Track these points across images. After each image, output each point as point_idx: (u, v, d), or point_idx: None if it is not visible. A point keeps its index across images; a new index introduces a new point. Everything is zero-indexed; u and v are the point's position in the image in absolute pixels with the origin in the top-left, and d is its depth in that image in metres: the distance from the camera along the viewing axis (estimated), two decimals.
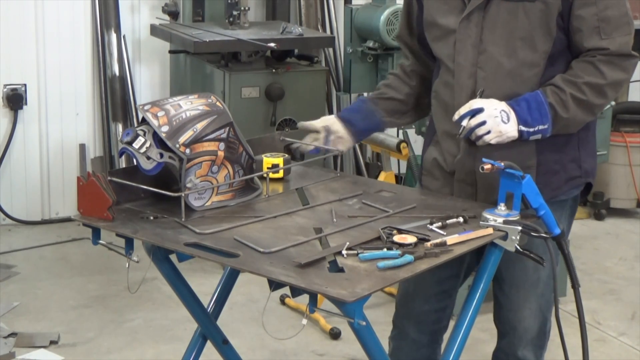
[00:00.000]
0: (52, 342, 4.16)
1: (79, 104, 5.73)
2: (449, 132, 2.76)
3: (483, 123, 2.57)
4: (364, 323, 2.14)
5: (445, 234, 2.40)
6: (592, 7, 2.59)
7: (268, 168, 2.79)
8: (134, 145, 2.51)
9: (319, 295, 2.13)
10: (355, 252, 2.28)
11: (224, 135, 2.59)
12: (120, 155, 5.32)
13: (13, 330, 4.23)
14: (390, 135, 4.62)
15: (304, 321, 2.23)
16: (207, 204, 2.59)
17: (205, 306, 2.84)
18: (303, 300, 2.19)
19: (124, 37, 5.66)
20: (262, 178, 2.74)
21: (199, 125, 2.55)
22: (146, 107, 2.57)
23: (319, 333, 4.31)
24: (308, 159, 3.00)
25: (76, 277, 4.94)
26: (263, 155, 2.84)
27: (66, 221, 5.63)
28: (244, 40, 4.89)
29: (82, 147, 5.76)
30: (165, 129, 2.52)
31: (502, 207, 2.47)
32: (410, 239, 2.35)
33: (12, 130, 5.56)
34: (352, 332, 2.26)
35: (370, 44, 4.84)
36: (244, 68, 5.01)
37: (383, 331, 2.92)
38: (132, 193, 2.60)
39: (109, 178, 2.53)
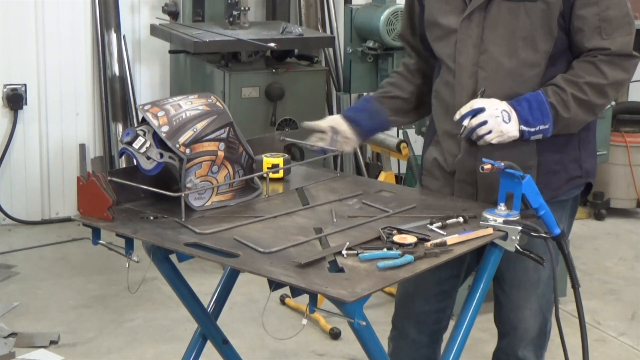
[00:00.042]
0: (52, 342, 4.16)
1: (79, 104, 5.73)
2: (450, 132, 2.76)
3: (484, 123, 2.56)
4: (364, 323, 2.14)
5: (445, 234, 2.40)
6: (593, 7, 2.59)
7: (268, 168, 2.79)
8: (134, 145, 2.51)
9: (319, 295, 2.13)
10: (355, 252, 2.28)
11: (224, 135, 2.59)
12: (120, 155, 5.32)
13: (13, 330, 4.23)
14: (390, 135, 4.62)
15: (304, 321, 2.23)
16: (207, 204, 2.59)
17: (205, 306, 2.84)
18: (303, 300, 2.19)
19: (124, 37, 5.66)
20: (262, 178, 2.74)
21: (199, 125, 2.55)
22: (146, 107, 2.57)
23: (319, 333, 4.31)
24: (309, 158, 3.00)
25: (76, 277, 4.94)
26: (263, 155, 2.84)
27: (66, 221, 5.63)
28: (244, 40, 4.89)
29: (82, 147, 5.76)
30: (165, 129, 2.52)
31: (502, 207, 2.47)
32: (410, 239, 2.35)
33: (12, 130, 5.56)
34: (352, 332, 2.26)
35: (370, 44, 4.84)
36: (244, 68, 5.01)
37: (383, 331, 2.92)
38: (132, 193, 2.60)
39: (109, 178, 2.53)
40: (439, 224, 2.45)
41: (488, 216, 2.46)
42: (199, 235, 2.39)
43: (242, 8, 5.21)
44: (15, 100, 5.53)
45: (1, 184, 5.61)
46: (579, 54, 2.65)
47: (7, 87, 5.54)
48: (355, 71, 4.94)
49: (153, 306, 4.56)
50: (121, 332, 4.32)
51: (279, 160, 2.83)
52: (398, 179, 5.35)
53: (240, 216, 2.54)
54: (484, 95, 2.62)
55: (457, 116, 2.60)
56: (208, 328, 2.84)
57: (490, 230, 2.43)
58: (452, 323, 2.65)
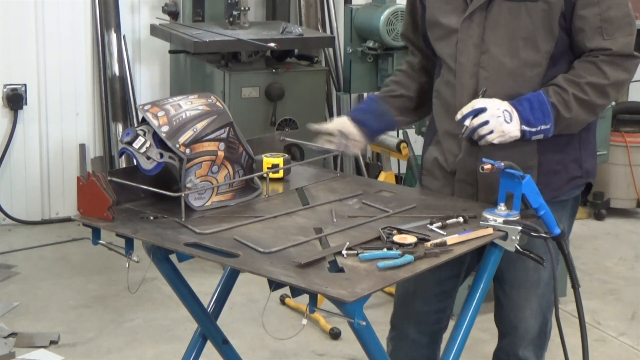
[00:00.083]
0: (52, 342, 4.16)
1: (79, 104, 5.73)
2: (451, 131, 2.76)
3: (486, 123, 2.56)
4: (364, 323, 2.14)
5: (445, 234, 2.40)
6: (594, 8, 2.59)
7: (268, 168, 2.79)
8: (134, 145, 2.51)
9: (319, 295, 2.13)
10: (355, 252, 2.28)
11: (224, 135, 2.59)
12: (120, 155, 5.32)
13: (13, 330, 4.23)
14: (390, 135, 4.62)
15: (304, 321, 2.23)
16: (207, 204, 2.59)
17: (205, 306, 2.84)
18: (303, 300, 2.19)
19: (124, 37, 5.66)
20: (262, 178, 2.74)
21: (199, 125, 2.55)
22: (146, 107, 2.57)
23: (319, 333, 4.31)
24: (309, 158, 3.00)
25: (76, 277, 4.94)
26: (263, 155, 2.84)
27: (66, 221, 5.63)
28: (244, 40, 4.89)
29: (82, 147, 5.76)
30: (165, 129, 2.52)
31: (502, 207, 2.47)
32: (410, 239, 2.35)
33: (12, 130, 5.56)
34: (352, 332, 2.26)
35: (370, 44, 4.84)
36: (244, 68, 5.01)
37: (383, 331, 2.93)
38: (132, 193, 2.59)
39: (109, 178, 2.53)
40: (439, 224, 2.45)
41: (488, 216, 2.46)
42: (199, 235, 2.39)
43: (242, 8, 5.21)
44: (15, 100, 5.54)
45: (1, 184, 5.61)
46: (580, 54, 2.65)
47: (7, 87, 5.54)
48: (355, 71, 4.94)
49: (153, 306, 4.56)
50: (121, 332, 4.32)
51: (279, 160, 2.83)
52: (398, 179, 5.36)
53: (240, 216, 2.54)
54: (485, 95, 2.62)
55: (459, 116, 2.60)
56: (208, 328, 2.84)
57: (490, 230, 2.43)
58: (452, 323, 2.65)
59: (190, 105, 2.60)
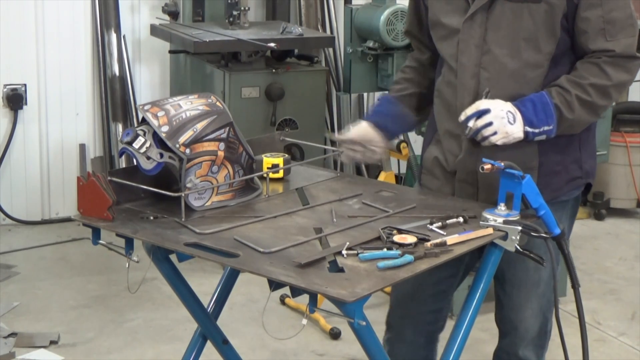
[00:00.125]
0: (52, 342, 4.16)
1: (79, 104, 5.73)
2: (451, 131, 2.76)
3: (489, 124, 2.56)
4: (364, 323, 2.14)
5: (445, 234, 2.40)
6: (597, 9, 2.59)
7: (268, 168, 2.79)
8: (134, 145, 2.51)
9: (319, 295, 2.13)
10: (355, 252, 2.28)
11: (224, 135, 2.59)
12: (120, 155, 5.32)
13: (13, 330, 4.23)
14: None
15: (304, 321, 2.23)
16: (207, 204, 2.59)
17: (205, 306, 2.84)
18: (303, 300, 2.19)
19: (124, 37, 5.66)
20: (262, 178, 2.74)
21: (199, 125, 2.55)
22: (146, 107, 2.57)
23: (319, 333, 4.31)
24: (309, 158, 2.99)
25: (76, 277, 4.94)
26: (263, 155, 2.84)
27: (66, 221, 5.62)
28: (244, 40, 4.89)
29: (82, 147, 5.76)
30: (165, 129, 2.52)
31: (502, 207, 2.47)
32: (410, 239, 2.35)
33: (12, 130, 5.56)
34: (352, 332, 2.26)
35: (370, 44, 4.84)
36: (244, 68, 5.01)
37: (383, 331, 2.93)
38: (132, 193, 2.59)
39: (109, 178, 2.53)
40: (439, 224, 2.45)
41: (488, 216, 2.46)
42: (199, 235, 2.39)
43: (242, 8, 5.21)
44: (15, 100, 5.53)
45: (1, 184, 5.61)
46: (582, 55, 2.65)
47: (7, 87, 5.54)
48: (355, 71, 4.94)
49: (153, 306, 4.56)
50: (121, 332, 4.32)
51: (279, 160, 2.83)
52: (398, 179, 5.36)
53: (240, 216, 2.54)
54: (488, 96, 2.61)
55: (462, 117, 2.60)
56: (208, 328, 2.84)
57: (490, 230, 2.43)
58: (451, 323, 2.65)
59: (190, 105, 2.60)
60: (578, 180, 2.78)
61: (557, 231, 2.56)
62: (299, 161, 2.99)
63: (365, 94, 6.11)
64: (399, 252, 2.28)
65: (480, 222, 2.47)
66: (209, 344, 2.88)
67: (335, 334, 4.26)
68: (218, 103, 2.65)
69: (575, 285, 2.68)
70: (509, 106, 2.58)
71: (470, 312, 2.49)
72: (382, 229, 2.41)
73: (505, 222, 2.44)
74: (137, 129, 2.54)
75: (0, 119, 5.58)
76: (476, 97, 2.66)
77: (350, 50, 4.93)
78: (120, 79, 5.63)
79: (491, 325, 3.00)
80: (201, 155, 2.55)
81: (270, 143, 2.98)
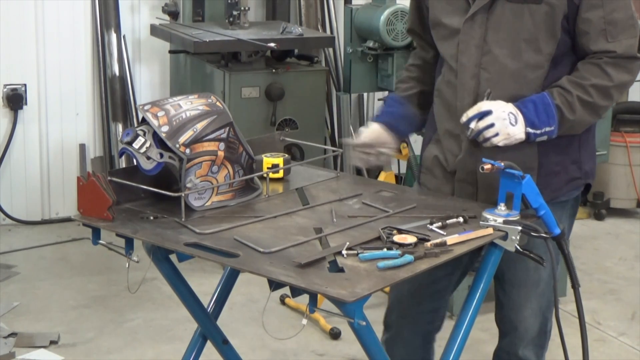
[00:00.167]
0: (52, 342, 4.16)
1: (79, 104, 5.73)
2: (451, 131, 2.76)
3: (491, 125, 2.56)
4: (364, 323, 2.14)
5: (445, 234, 2.40)
6: (599, 10, 2.59)
7: (268, 168, 2.79)
8: (134, 145, 2.51)
9: (319, 295, 2.13)
10: (355, 252, 2.28)
11: (224, 135, 2.59)
12: (120, 155, 5.32)
13: (13, 330, 4.23)
14: None
15: (304, 321, 2.23)
16: (207, 204, 2.59)
17: (205, 306, 2.84)
18: (303, 300, 2.19)
19: (124, 37, 5.66)
20: (262, 178, 2.74)
21: (199, 125, 2.55)
22: (146, 107, 2.57)
23: (319, 333, 4.31)
24: (309, 158, 2.99)
25: (76, 277, 4.94)
26: (263, 155, 2.84)
27: (66, 221, 5.62)
28: (244, 40, 4.89)
29: (82, 147, 5.76)
30: (165, 129, 2.52)
31: (502, 207, 2.47)
32: (410, 239, 2.35)
33: (12, 130, 5.56)
34: (352, 332, 2.25)
35: (370, 44, 4.84)
36: (244, 68, 5.01)
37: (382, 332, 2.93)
38: (132, 193, 2.59)
39: (109, 178, 2.53)
40: (439, 224, 2.45)
41: (488, 216, 2.46)
42: (199, 235, 2.39)
43: (242, 8, 5.21)
44: (15, 100, 5.54)
45: (1, 184, 5.61)
46: (583, 56, 2.66)
47: (7, 87, 5.54)
48: (355, 71, 4.94)
49: (153, 306, 4.56)
50: (121, 332, 4.32)
51: (279, 160, 2.83)
52: (398, 179, 5.36)
53: (240, 216, 2.54)
54: (490, 97, 2.61)
55: (464, 118, 2.60)
56: (208, 328, 2.84)
57: (490, 230, 2.43)
58: (450, 323, 2.65)
59: (190, 105, 2.60)
60: (577, 181, 2.78)
61: (557, 231, 2.56)
62: (299, 161, 3.00)
63: (365, 94, 6.11)
64: (399, 252, 2.28)
65: (480, 222, 2.47)
66: (209, 344, 2.88)
67: (335, 334, 4.26)
68: (218, 103, 2.65)
69: (575, 285, 2.68)
70: (510, 107, 2.58)
71: (470, 312, 2.49)
72: (382, 229, 2.41)
73: (505, 222, 2.44)
74: (137, 129, 2.54)
75: (0, 119, 5.58)
76: (476, 98, 2.66)
77: (350, 50, 4.93)
78: (120, 79, 5.63)
79: (491, 325, 3.00)
80: (201, 155, 2.55)
81: (270, 143, 2.98)
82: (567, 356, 2.68)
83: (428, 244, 2.33)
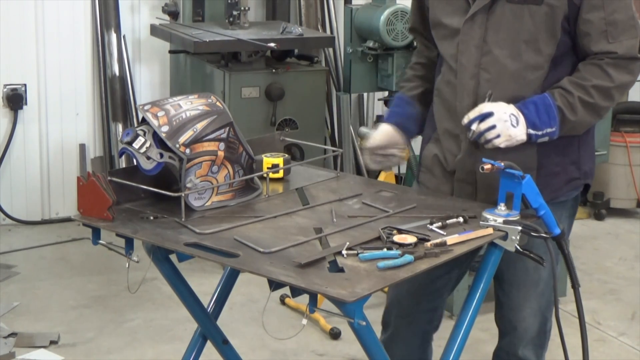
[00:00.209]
0: (52, 342, 4.16)
1: (79, 104, 5.73)
2: (451, 131, 2.76)
3: (493, 127, 2.56)
4: (364, 323, 2.14)
5: (445, 234, 2.40)
6: (599, 11, 2.59)
7: (268, 168, 2.79)
8: (134, 145, 2.51)
9: (319, 295, 2.13)
10: (355, 252, 2.28)
11: (224, 135, 2.59)
12: (120, 155, 5.32)
13: (13, 330, 4.23)
14: None
15: (304, 321, 2.23)
16: (207, 204, 2.59)
17: (205, 306, 2.84)
18: (303, 300, 2.19)
19: (124, 37, 5.66)
20: (262, 178, 2.74)
21: (199, 125, 2.55)
22: (146, 107, 2.57)
23: (319, 333, 4.31)
24: (309, 158, 2.99)
25: (76, 277, 4.94)
26: (263, 155, 2.84)
27: (66, 221, 5.62)
28: (244, 40, 4.89)
29: (82, 147, 5.76)
30: (165, 129, 2.52)
31: (502, 207, 2.47)
32: (410, 239, 2.35)
33: (12, 130, 5.56)
34: (352, 332, 2.26)
35: (370, 44, 4.84)
36: (244, 68, 5.01)
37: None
38: (132, 193, 2.60)
39: (109, 178, 2.53)
40: (439, 224, 2.45)
41: (488, 216, 2.46)
42: (199, 235, 2.39)
43: (242, 8, 5.21)
44: (15, 100, 5.53)
45: (1, 184, 5.61)
46: (584, 57, 2.66)
47: (7, 87, 5.54)
48: (355, 71, 4.94)
49: (153, 306, 4.56)
50: (121, 332, 4.32)
51: (279, 160, 2.83)
52: (398, 179, 5.36)
53: (240, 216, 2.54)
54: (491, 99, 2.61)
55: (465, 120, 2.60)
56: (208, 328, 2.84)
57: (490, 230, 2.43)
58: (450, 323, 2.65)
59: (190, 105, 2.60)
60: (576, 181, 2.78)
61: (557, 231, 2.56)
62: (299, 161, 3.00)
63: (365, 94, 6.11)
64: (399, 252, 2.28)
65: (480, 222, 2.47)
66: (209, 344, 2.88)
67: (335, 334, 4.26)
68: (218, 103, 2.65)
69: (575, 285, 2.68)
70: (511, 109, 2.58)
71: (470, 312, 2.49)
72: (382, 229, 2.41)
73: (505, 222, 2.44)
74: (137, 129, 2.54)
75: (0, 119, 5.58)
76: (475, 98, 2.67)
77: (350, 50, 4.93)
78: (120, 79, 5.63)
79: (491, 325, 3.00)
80: (201, 155, 2.55)
81: (270, 143, 2.98)
82: (567, 356, 2.68)
83: (428, 244, 2.33)
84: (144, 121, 2.57)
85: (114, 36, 5.60)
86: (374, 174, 5.24)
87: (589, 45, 2.63)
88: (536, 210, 2.51)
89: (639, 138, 6.06)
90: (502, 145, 2.58)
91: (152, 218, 2.50)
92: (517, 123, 2.57)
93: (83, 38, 5.67)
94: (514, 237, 2.42)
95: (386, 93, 5.00)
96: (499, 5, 2.63)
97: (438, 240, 2.34)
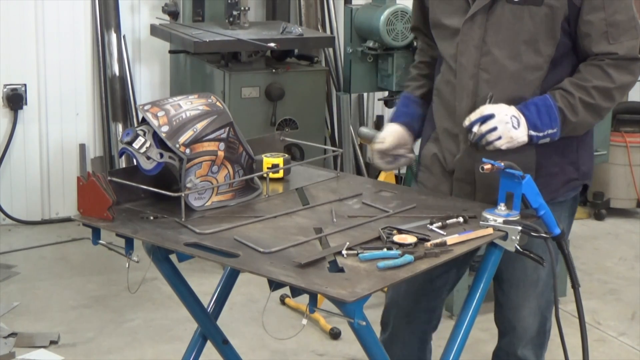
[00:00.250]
0: (52, 342, 4.16)
1: (79, 104, 5.73)
2: (450, 130, 2.76)
3: (494, 129, 2.56)
4: (364, 323, 2.14)
5: (445, 234, 2.40)
6: (600, 12, 2.59)
7: (268, 168, 2.79)
8: (134, 145, 2.51)
9: (319, 295, 2.13)
10: (355, 252, 2.28)
11: (224, 135, 2.59)
12: (120, 155, 5.32)
13: (13, 330, 4.23)
14: None
15: (304, 321, 2.23)
16: (207, 204, 2.59)
17: (205, 306, 2.84)
18: (303, 300, 2.19)
19: (124, 37, 5.66)
20: (262, 178, 2.74)
21: (199, 125, 2.55)
22: (146, 107, 2.57)
23: (319, 333, 4.31)
24: (309, 158, 2.99)
25: (76, 277, 4.94)
26: (263, 155, 2.84)
27: (66, 221, 5.62)
28: (244, 40, 4.89)
29: (82, 147, 5.76)
30: (165, 129, 2.52)
31: (502, 207, 2.47)
32: (410, 239, 2.35)
33: (12, 130, 5.56)
34: (352, 332, 2.26)
35: (370, 44, 4.84)
36: (244, 68, 5.01)
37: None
38: (132, 193, 2.60)
39: (109, 178, 2.53)
40: (439, 224, 2.45)
41: (488, 216, 2.46)
42: (199, 235, 2.39)
43: (242, 8, 5.21)
44: (15, 100, 5.53)
45: (1, 184, 5.61)
46: (585, 58, 2.66)
47: (7, 87, 5.54)
48: (355, 71, 4.94)
49: (153, 306, 4.56)
50: (121, 332, 4.32)
51: (279, 160, 2.83)
52: (398, 179, 5.36)
53: (240, 216, 2.54)
54: (492, 101, 2.61)
55: (467, 122, 2.60)
56: (208, 328, 2.84)
57: (490, 230, 2.43)
58: (450, 323, 2.65)
59: (190, 105, 2.60)
60: (575, 182, 2.78)
61: (557, 231, 2.56)
62: (299, 161, 2.99)
63: (365, 94, 6.11)
64: (399, 252, 2.28)
65: (480, 222, 2.47)
66: (209, 344, 2.88)
67: (335, 334, 4.26)
68: (218, 103, 2.65)
69: (575, 285, 2.68)
70: (513, 110, 2.58)
71: (470, 312, 2.49)
72: (382, 229, 2.41)
73: (505, 222, 2.44)
74: (137, 129, 2.54)
75: (0, 119, 5.58)
76: (474, 98, 2.67)
77: (350, 50, 4.93)
78: (120, 79, 5.63)
79: (491, 325, 3.00)
80: (201, 155, 2.55)
81: (270, 143, 2.98)
82: (567, 356, 2.68)
83: (428, 244, 2.33)
84: (144, 121, 2.57)
85: (114, 36, 5.61)
86: (374, 174, 5.24)
87: (589, 46, 2.63)
88: (536, 210, 2.51)
89: (639, 138, 6.06)
90: (503, 147, 2.58)
91: (152, 218, 2.50)
92: (519, 125, 2.57)
93: (83, 38, 5.67)
94: (514, 237, 2.42)
95: (386, 93, 5.00)
96: (499, 5, 2.63)
97: (438, 240, 2.34)
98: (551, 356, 3.06)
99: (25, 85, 5.57)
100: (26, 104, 5.59)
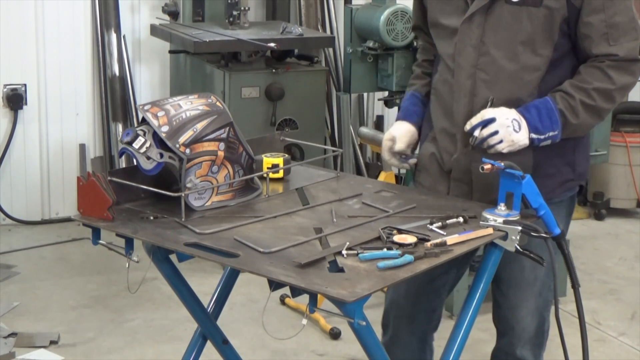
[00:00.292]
0: (52, 342, 4.16)
1: (79, 104, 5.73)
2: (447, 130, 2.76)
3: (495, 133, 2.57)
4: (364, 323, 2.14)
5: (445, 234, 2.40)
6: (600, 14, 2.59)
7: (268, 168, 2.79)
8: (134, 145, 2.51)
9: (319, 295, 2.13)
10: (355, 252, 2.28)
11: (224, 135, 2.59)
12: (120, 155, 5.32)
13: (13, 330, 4.23)
14: None
15: (304, 321, 2.23)
16: (207, 204, 2.59)
17: (205, 306, 2.84)
18: (303, 300, 2.19)
19: (124, 37, 5.66)
20: (262, 178, 2.74)
21: (199, 125, 2.55)
22: (146, 107, 2.57)
23: (319, 333, 4.31)
24: (309, 158, 2.99)
25: (76, 277, 4.94)
26: (263, 155, 2.84)
27: (66, 221, 5.63)
28: (244, 40, 4.89)
29: (82, 147, 5.76)
30: (165, 129, 2.52)
31: (502, 207, 2.47)
32: (410, 239, 2.35)
33: (12, 130, 5.56)
34: (352, 332, 2.26)
35: (370, 44, 4.84)
36: (244, 68, 5.01)
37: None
38: (132, 193, 2.60)
39: (109, 178, 2.53)
40: (439, 224, 2.45)
41: (488, 216, 2.46)
42: (199, 235, 2.39)
43: (242, 8, 5.22)
44: (15, 100, 5.54)
45: (1, 184, 5.61)
46: (584, 59, 2.66)
47: (7, 87, 5.54)
48: (355, 71, 4.94)
49: (153, 306, 4.56)
50: (121, 332, 4.32)
51: (279, 160, 2.83)
52: (398, 179, 5.36)
53: (240, 216, 2.54)
54: (493, 104, 2.61)
55: (468, 127, 2.61)
56: (208, 328, 2.84)
57: (490, 230, 2.43)
58: (450, 323, 2.65)
59: (190, 105, 2.60)
60: (570, 183, 2.79)
61: (557, 231, 2.56)
62: (299, 161, 2.99)
63: (365, 94, 6.11)
64: (399, 252, 2.28)
65: (480, 222, 2.47)
66: (209, 344, 2.88)
67: (335, 334, 4.26)
68: (218, 103, 2.65)
69: (575, 285, 2.68)
70: (513, 114, 2.58)
71: (470, 312, 2.49)
72: (382, 229, 2.41)
73: (505, 222, 2.44)
74: (137, 129, 2.54)
75: (0, 119, 5.58)
76: (472, 98, 2.67)
77: (350, 50, 4.93)
78: (120, 79, 5.63)
79: (491, 325, 3.00)
80: (201, 155, 2.55)
81: (270, 143, 2.98)
82: (567, 356, 2.68)
83: (428, 244, 2.33)
84: (144, 121, 2.57)
85: (114, 36, 5.61)
86: (374, 174, 5.24)
87: (589, 48, 2.63)
88: (536, 210, 2.51)
89: (639, 138, 6.06)
90: (504, 151, 2.58)
91: (152, 218, 2.50)
92: (520, 128, 2.57)
93: (83, 38, 5.67)
94: (514, 237, 2.42)
95: (386, 93, 5.00)
96: (498, 6, 2.63)
97: (438, 240, 2.34)
98: (551, 356, 3.06)
99: (25, 85, 5.57)
100: (26, 104, 5.59)
